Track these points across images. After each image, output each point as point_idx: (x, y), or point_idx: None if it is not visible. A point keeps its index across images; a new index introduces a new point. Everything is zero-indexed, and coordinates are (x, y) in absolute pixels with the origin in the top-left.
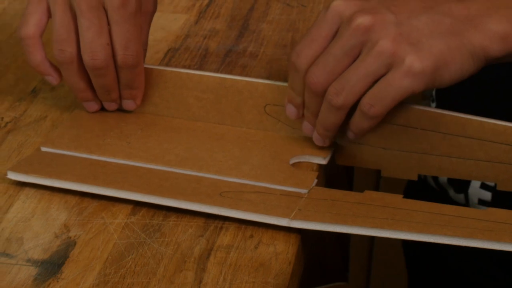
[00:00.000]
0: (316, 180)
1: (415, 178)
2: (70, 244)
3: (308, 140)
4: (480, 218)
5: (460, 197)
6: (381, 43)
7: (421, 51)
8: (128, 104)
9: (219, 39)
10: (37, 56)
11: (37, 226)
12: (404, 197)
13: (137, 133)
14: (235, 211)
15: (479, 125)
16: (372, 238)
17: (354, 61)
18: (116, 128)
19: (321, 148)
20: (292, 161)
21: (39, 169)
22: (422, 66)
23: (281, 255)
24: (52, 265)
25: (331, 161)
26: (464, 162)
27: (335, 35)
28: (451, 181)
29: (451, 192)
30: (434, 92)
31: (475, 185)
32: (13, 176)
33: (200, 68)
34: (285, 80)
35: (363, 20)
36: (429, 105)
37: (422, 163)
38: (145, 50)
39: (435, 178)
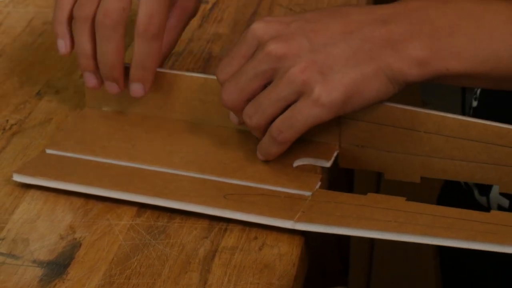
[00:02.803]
0: (319, 183)
1: (418, 180)
2: (75, 245)
3: (312, 143)
4: (483, 221)
5: (483, 199)
6: (291, 71)
7: (332, 81)
8: (136, 88)
9: (223, 43)
10: (63, 13)
11: (42, 227)
12: (439, 197)
13: (142, 136)
14: (239, 213)
15: (482, 127)
16: (372, 241)
17: (266, 82)
18: (121, 131)
19: (324, 151)
20: (296, 163)
21: (44, 171)
22: (330, 98)
23: (285, 256)
24: (58, 266)
25: (334, 164)
26: (467, 164)
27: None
28: None
29: (476, 193)
30: (478, 91)
31: (495, 190)
32: (18, 178)
33: (204, 71)
34: None
35: (275, 47)
36: (471, 103)
37: (426, 165)
38: (173, 46)
39: None
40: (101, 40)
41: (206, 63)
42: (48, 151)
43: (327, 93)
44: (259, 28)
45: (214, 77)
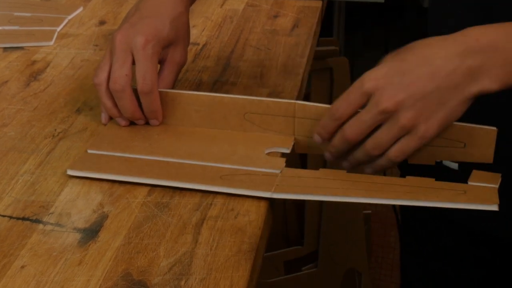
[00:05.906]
0: (285, 164)
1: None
2: (104, 217)
3: (277, 136)
4: (402, 184)
5: (454, 164)
6: (402, 120)
7: (430, 121)
8: (153, 122)
9: (209, 73)
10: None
11: (80, 204)
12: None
13: (155, 137)
14: (233, 189)
15: None
16: (320, 211)
17: (378, 124)
18: (140, 134)
19: (285, 141)
20: (267, 151)
21: (88, 167)
22: (430, 134)
23: (253, 222)
24: (91, 232)
25: (292, 150)
26: None
27: (365, 100)
28: None
29: None
30: None
31: None
32: (72, 172)
33: None
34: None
35: (387, 105)
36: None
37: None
38: (170, 88)
39: None
40: (117, 99)
41: (198, 87)
42: (89, 151)
43: (426, 130)
44: (370, 86)
45: (205, 93)
